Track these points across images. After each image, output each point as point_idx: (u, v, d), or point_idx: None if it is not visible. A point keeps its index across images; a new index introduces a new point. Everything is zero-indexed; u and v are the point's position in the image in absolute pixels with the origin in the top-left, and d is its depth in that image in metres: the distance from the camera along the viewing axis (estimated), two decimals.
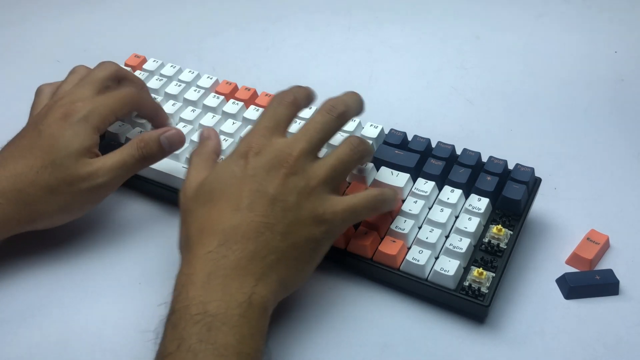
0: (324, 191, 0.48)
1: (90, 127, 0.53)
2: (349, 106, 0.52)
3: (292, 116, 0.52)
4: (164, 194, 0.60)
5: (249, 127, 0.62)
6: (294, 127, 0.62)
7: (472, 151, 0.59)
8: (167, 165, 0.59)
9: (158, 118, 0.61)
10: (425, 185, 0.56)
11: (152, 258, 0.56)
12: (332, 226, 0.48)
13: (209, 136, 0.54)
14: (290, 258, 0.46)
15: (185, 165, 0.59)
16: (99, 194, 0.54)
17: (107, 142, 0.61)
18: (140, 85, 0.61)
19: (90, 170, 0.52)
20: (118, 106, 0.55)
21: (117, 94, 0.56)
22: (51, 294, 0.53)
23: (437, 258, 0.52)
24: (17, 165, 0.51)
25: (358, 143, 0.51)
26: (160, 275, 0.54)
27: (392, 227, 0.53)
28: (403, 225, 0.53)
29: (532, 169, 0.57)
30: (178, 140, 0.56)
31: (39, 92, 0.60)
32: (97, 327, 0.50)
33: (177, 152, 0.60)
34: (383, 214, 0.53)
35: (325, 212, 0.47)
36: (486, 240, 0.53)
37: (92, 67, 0.60)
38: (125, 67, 0.70)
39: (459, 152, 0.59)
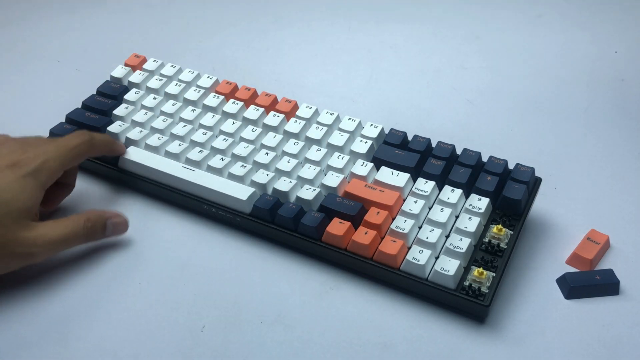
0: None
1: (37, 184, 0.50)
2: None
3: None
4: (163, 193, 0.60)
5: (249, 126, 0.62)
6: (295, 126, 0.62)
7: (473, 151, 0.59)
8: (167, 164, 0.59)
9: (113, 152, 0.60)
10: (425, 185, 0.56)
11: (152, 258, 0.56)
12: None
13: None
14: None
15: (186, 165, 0.59)
16: (27, 262, 0.50)
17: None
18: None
19: (29, 236, 0.49)
20: (69, 159, 0.53)
21: (69, 144, 0.54)
22: (50, 293, 0.53)
23: (437, 258, 0.52)
24: None
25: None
26: (160, 275, 0.54)
27: (392, 227, 0.53)
28: (403, 225, 0.53)
29: (532, 169, 0.57)
30: (122, 230, 0.56)
31: None
32: (97, 327, 0.50)
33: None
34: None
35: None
36: (486, 240, 0.53)
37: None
38: (125, 67, 0.70)
39: (459, 152, 0.59)
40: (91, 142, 0.56)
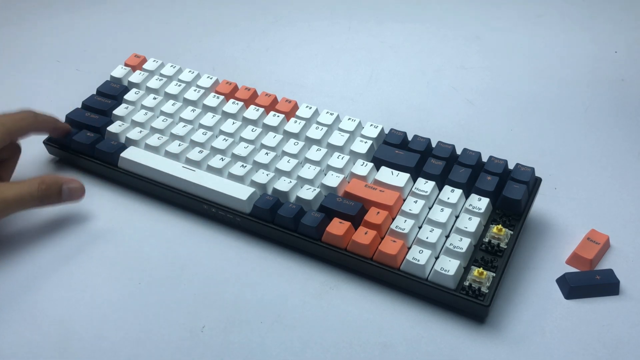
0: None
1: None
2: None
3: None
4: (163, 193, 0.60)
5: (249, 126, 0.62)
6: (295, 126, 0.62)
7: (472, 151, 0.59)
8: (167, 164, 0.59)
9: (57, 130, 0.62)
10: (425, 185, 0.56)
11: (152, 258, 0.56)
12: None
13: None
14: None
15: (186, 165, 0.59)
16: None
17: (108, 142, 0.61)
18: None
19: None
20: (15, 127, 0.56)
21: (13, 116, 0.57)
22: (51, 293, 0.53)
23: (437, 258, 0.52)
24: None
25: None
26: (160, 275, 0.54)
27: (393, 227, 0.53)
28: (403, 225, 0.53)
29: (532, 169, 0.57)
30: (78, 195, 0.57)
31: None
32: (97, 327, 0.50)
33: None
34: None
35: None
36: (486, 240, 0.53)
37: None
38: (125, 67, 0.70)
39: (459, 152, 0.59)
40: (35, 117, 0.59)
